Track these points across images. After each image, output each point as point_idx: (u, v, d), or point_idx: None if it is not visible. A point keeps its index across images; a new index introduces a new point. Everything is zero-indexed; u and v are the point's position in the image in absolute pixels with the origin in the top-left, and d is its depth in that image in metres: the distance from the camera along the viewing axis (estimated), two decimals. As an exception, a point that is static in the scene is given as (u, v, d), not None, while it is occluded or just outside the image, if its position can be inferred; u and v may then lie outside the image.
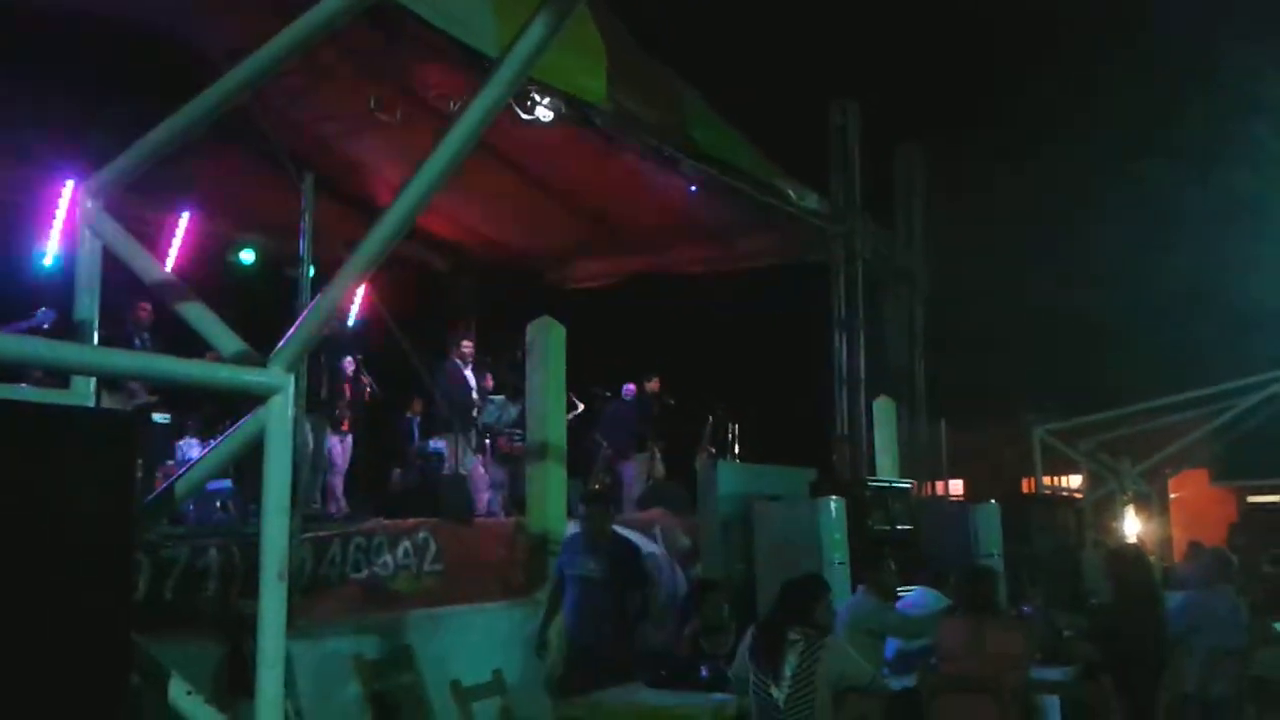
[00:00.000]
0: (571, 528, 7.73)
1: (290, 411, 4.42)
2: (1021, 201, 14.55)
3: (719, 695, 5.49)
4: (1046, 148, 14.31)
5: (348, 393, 9.95)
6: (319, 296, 4.58)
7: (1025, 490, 14.30)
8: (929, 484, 12.78)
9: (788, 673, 5.35)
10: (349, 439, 10.09)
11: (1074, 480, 15.24)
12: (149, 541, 6.21)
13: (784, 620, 5.52)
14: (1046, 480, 14.60)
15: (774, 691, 5.32)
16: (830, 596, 5.75)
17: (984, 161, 14.34)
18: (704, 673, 5.74)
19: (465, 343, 10.75)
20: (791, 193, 11.20)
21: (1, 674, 3.55)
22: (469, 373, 10.42)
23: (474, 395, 10.32)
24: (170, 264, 10.43)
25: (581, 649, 6.68)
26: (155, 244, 10.34)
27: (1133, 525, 13.73)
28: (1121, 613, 6.41)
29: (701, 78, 10.53)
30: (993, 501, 10.26)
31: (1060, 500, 14.10)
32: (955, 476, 14.22)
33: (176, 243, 10.62)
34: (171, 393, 8.67)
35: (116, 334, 7.73)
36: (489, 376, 10.75)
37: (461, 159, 4.33)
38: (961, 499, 12.85)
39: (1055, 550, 11.19)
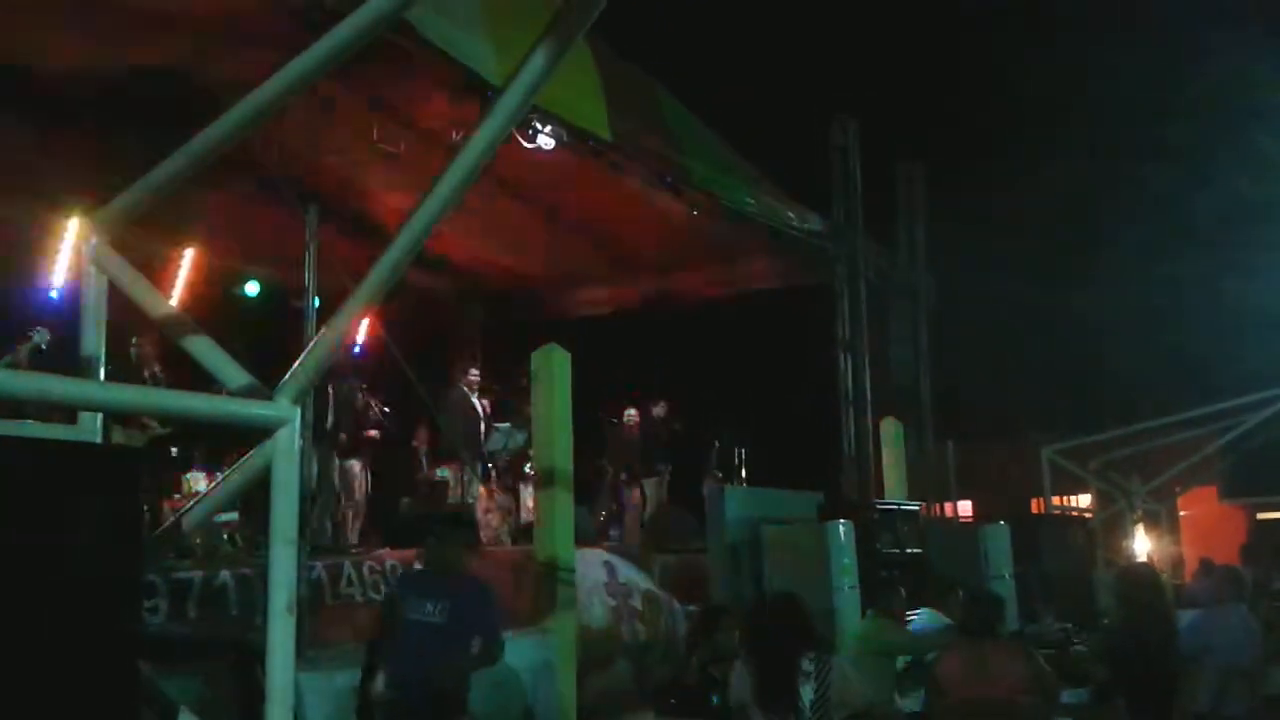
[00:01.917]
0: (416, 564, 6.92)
1: (297, 443, 4.44)
2: (1025, 217, 14.57)
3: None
4: (1049, 163, 14.35)
5: (358, 421, 9.96)
6: (325, 328, 4.59)
7: (1034, 510, 14.26)
8: (938, 505, 12.74)
9: (805, 704, 5.23)
10: (366, 468, 10.10)
11: (1083, 499, 15.19)
12: (159, 578, 6.23)
13: (791, 651, 5.37)
14: (1055, 499, 14.55)
15: None
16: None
17: (986, 178, 14.37)
18: (714, 700, 5.70)
19: (472, 370, 10.76)
20: (792, 215, 11.22)
21: (10, 710, 3.56)
22: (475, 400, 10.42)
23: (481, 423, 10.32)
24: (176, 297, 10.47)
25: (406, 710, 5.60)
26: (161, 277, 10.38)
27: (1143, 543, 13.67)
28: (1132, 633, 6.36)
29: (699, 97, 10.59)
30: (1002, 522, 10.23)
31: (1070, 520, 14.06)
32: (964, 497, 14.18)
33: (182, 276, 10.66)
34: (180, 425, 8.68)
35: (124, 369, 7.76)
36: (494, 404, 10.76)
37: (465, 189, 4.35)
38: (971, 519, 12.80)
39: (1066, 570, 11.16)
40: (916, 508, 10.52)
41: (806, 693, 5.19)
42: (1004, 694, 5.88)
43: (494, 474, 10.45)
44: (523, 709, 6.30)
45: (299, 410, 4.42)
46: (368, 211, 10.46)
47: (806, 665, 5.25)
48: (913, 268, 13.22)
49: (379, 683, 5.73)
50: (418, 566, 6.62)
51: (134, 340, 8.54)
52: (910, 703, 6.91)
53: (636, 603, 8.71)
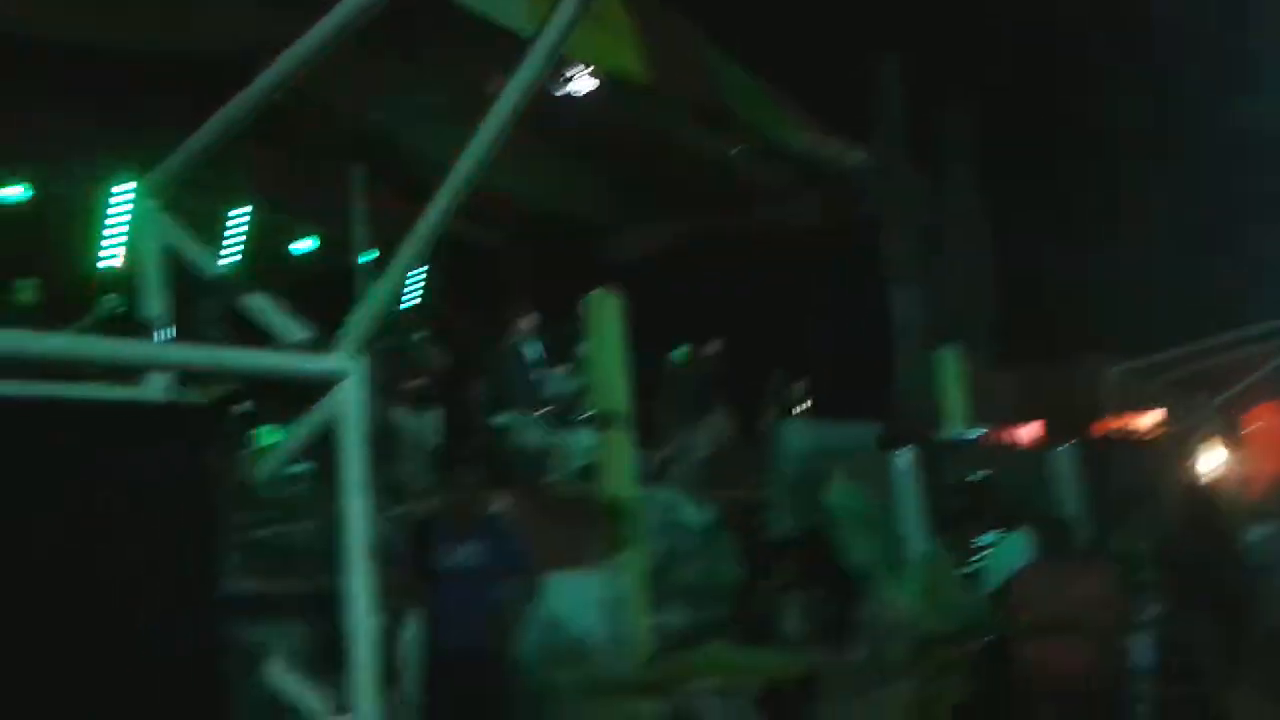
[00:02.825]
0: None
1: (361, 394, 4.50)
2: (1080, 131, 14.20)
3: (798, 650, 5.50)
4: (1104, 76, 13.93)
5: (414, 372, 10.06)
6: (379, 281, 4.65)
7: (1100, 432, 14.07)
8: (1001, 431, 12.62)
9: (865, 630, 5.33)
10: (429, 416, 10.22)
11: (1150, 419, 14.96)
12: (239, 531, 6.37)
13: (846, 582, 5.52)
14: (1121, 420, 14.35)
15: (855, 653, 5.28)
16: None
17: (1037, 98, 14.03)
18: (784, 628, 5.75)
19: (524, 318, 10.81)
20: (836, 149, 11.09)
21: (102, 672, 3.66)
22: (528, 347, 10.49)
23: (535, 370, 10.40)
24: (233, 257, 10.60)
25: (449, 664, 5.33)
26: (217, 238, 10.50)
27: (1211, 460, 13.46)
28: (1194, 550, 6.34)
29: (739, 34, 10.43)
30: (1068, 445, 10.13)
31: (1136, 439, 13.88)
32: (1028, 421, 14.02)
33: (238, 235, 10.78)
34: (250, 382, 8.81)
35: (190, 327, 7.87)
36: (548, 350, 10.81)
37: (504, 137, 4.36)
38: (1036, 444, 12.65)
39: (1135, 490, 11.03)
40: (979, 434, 10.44)
41: (864, 620, 5.31)
42: (1079, 611, 5.88)
43: (551, 419, 10.52)
44: (577, 648, 6.36)
45: (360, 361, 4.49)
46: (414, 164, 10.48)
47: (860, 594, 5.40)
48: (963, 194, 13.02)
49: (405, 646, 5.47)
50: (427, 518, 6.25)
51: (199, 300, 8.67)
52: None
53: (693, 543, 8.76)
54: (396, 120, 9.98)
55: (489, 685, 5.28)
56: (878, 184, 11.63)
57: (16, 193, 9.41)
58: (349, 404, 4.44)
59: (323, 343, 4.55)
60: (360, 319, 4.53)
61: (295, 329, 4.67)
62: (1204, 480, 11.40)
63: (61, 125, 9.12)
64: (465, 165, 4.42)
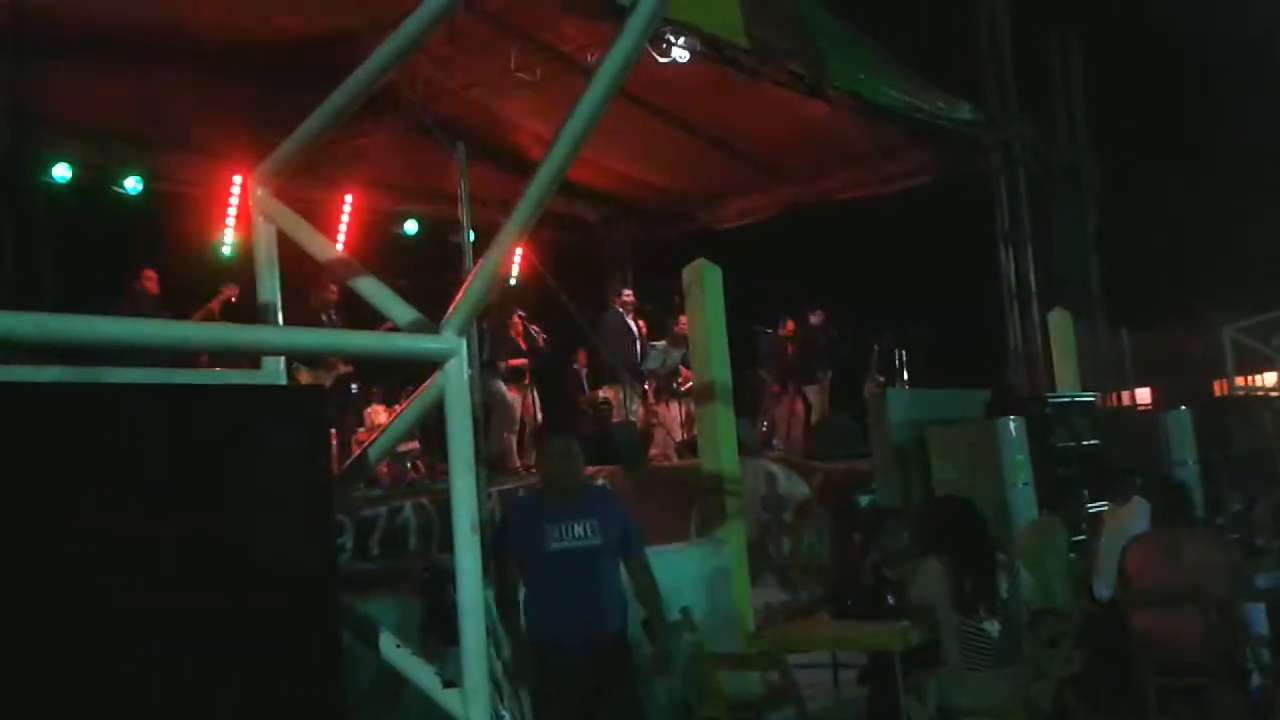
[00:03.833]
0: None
1: (465, 373, 4.61)
2: (1191, 86, 13.69)
3: (904, 623, 5.48)
4: (1211, 28, 13.38)
5: (515, 349, 10.23)
6: (481, 261, 4.73)
7: (1218, 393, 13.63)
8: (1114, 395, 12.32)
9: (1000, 601, 5.26)
10: (531, 394, 10.39)
11: (1269, 378, 14.43)
12: (353, 509, 6.60)
13: (987, 546, 5.43)
14: (1239, 380, 13.87)
15: (987, 625, 5.22)
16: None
17: (1146, 48, 13.55)
18: (889, 601, 5.74)
19: (625, 291, 10.89)
20: (941, 105, 10.86)
21: (223, 643, 3.85)
22: (630, 321, 10.56)
23: (636, 343, 10.47)
24: (340, 241, 10.89)
25: (572, 653, 4.77)
26: (325, 223, 10.80)
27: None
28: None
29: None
30: (1183, 408, 9.84)
31: (1256, 400, 13.40)
32: (1142, 384, 13.65)
33: (344, 220, 11.06)
34: (361, 363, 9.09)
35: (304, 313, 8.16)
36: (649, 323, 10.88)
37: (603, 110, 4.38)
38: (1150, 407, 12.33)
39: (1254, 452, 10.67)
40: (1091, 399, 10.18)
41: (1001, 590, 5.23)
42: (1194, 581, 5.76)
43: (653, 392, 10.60)
44: (682, 622, 6.25)
45: (464, 341, 4.59)
46: (514, 142, 10.61)
47: (1001, 559, 5.34)
48: (1073, 149, 12.64)
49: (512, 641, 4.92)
50: (522, 493, 6.12)
51: (311, 286, 8.96)
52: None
53: (789, 516, 8.75)
54: (497, 97, 10.11)
55: (610, 669, 4.80)
56: (987, 139, 11.35)
57: (134, 185, 9.78)
58: (455, 383, 4.54)
59: (428, 324, 4.67)
60: (464, 300, 4.63)
61: (402, 310, 4.79)
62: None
63: (175, 116, 9.46)
64: (565, 140, 4.44)
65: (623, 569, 4.98)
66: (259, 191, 5.10)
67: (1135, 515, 6.69)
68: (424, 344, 4.63)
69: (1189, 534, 6.01)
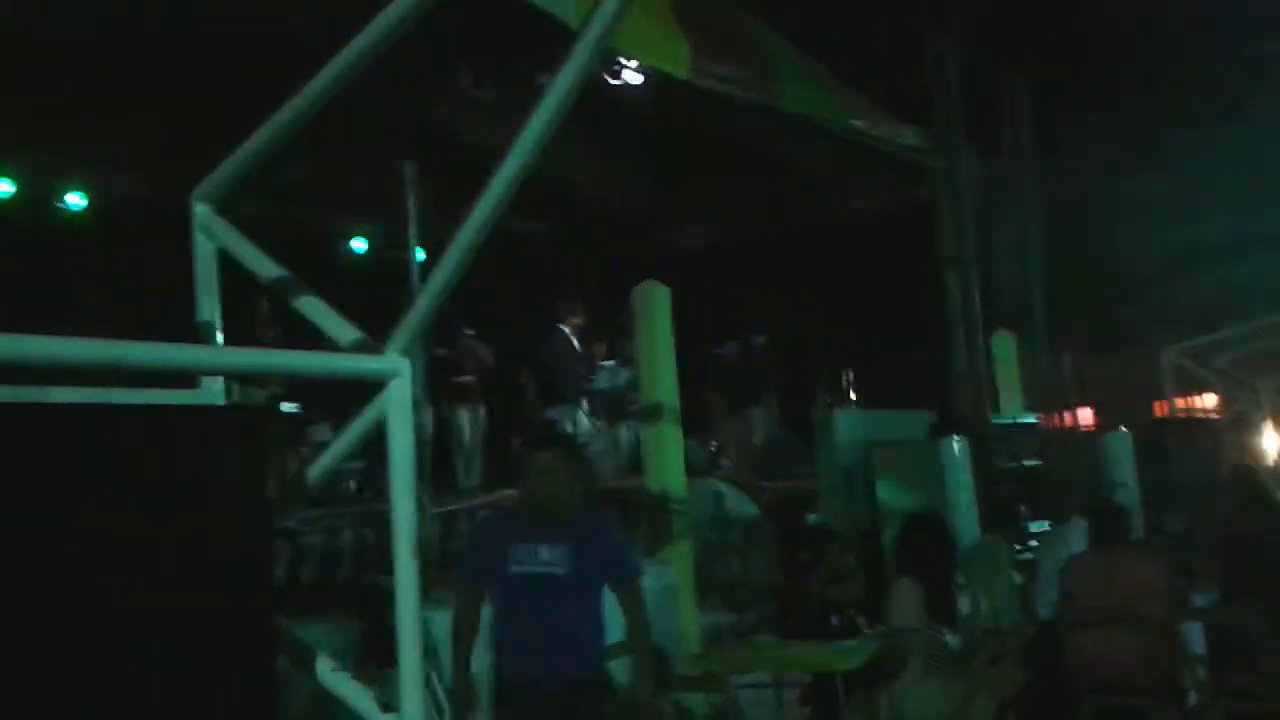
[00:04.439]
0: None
1: (409, 395, 4.58)
2: (1136, 112, 13.95)
3: (849, 642, 5.52)
4: (1155, 69, 13.68)
5: (463, 368, 10.20)
6: (428, 281, 4.72)
7: (1158, 414, 13.87)
8: (1057, 416, 12.49)
9: (960, 617, 5.41)
10: (479, 412, 10.35)
11: (1209, 400, 14.71)
12: (287, 529, 6.51)
13: (949, 566, 5.58)
14: (1180, 403, 14.13)
15: (950, 637, 5.36)
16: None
17: (1091, 78, 13.81)
18: (833, 621, 5.78)
19: (573, 311, 10.89)
20: (890, 130, 10.99)
21: (153, 669, 3.78)
22: (577, 342, 10.56)
23: (582, 363, 10.48)
24: (286, 259, 10.78)
25: (531, 693, 4.31)
26: (272, 239, 10.68)
27: (1273, 442, 13.21)
28: (1245, 533, 6.27)
29: (788, 11, 10.34)
30: (1123, 429, 10.02)
31: (1195, 422, 13.66)
32: (1084, 405, 13.85)
33: (292, 237, 10.95)
34: (300, 383, 9.00)
35: (245, 332, 8.06)
36: (598, 343, 10.88)
37: (551, 131, 4.40)
38: (1092, 428, 12.52)
39: (1193, 474, 10.88)
40: (1034, 420, 10.35)
41: (961, 606, 5.38)
42: (1132, 601, 5.85)
43: (602, 412, 10.61)
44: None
45: (409, 362, 4.56)
46: (467, 161, 10.56)
47: (960, 580, 5.46)
48: (1018, 176, 12.86)
49: (475, 670, 4.47)
50: (493, 513, 5.53)
51: (254, 305, 8.86)
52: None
53: (736, 536, 8.78)
54: (451, 116, 10.10)
55: (571, 712, 4.24)
56: (934, 165, 11.50)
57: (76, 202, 9.64)
58: (398, 404, 4.51)
59: (371, 344, 4.64)
60: (410, 319, 4.61)
61: (345, 330, 4.76)
62: (1261, 463, 11.23)
63: (116, 133, 9.34)
64: (514, 160, 4.46)
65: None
66: (199, 209, 5.06)
67: (1073, 536, 6.79)
68: (366, 364, 4.59)
69: (1127, 554, 6.12)
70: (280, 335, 8.47)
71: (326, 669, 4.58)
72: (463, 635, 4.44)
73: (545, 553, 4.35)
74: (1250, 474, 7.17)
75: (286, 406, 9.09)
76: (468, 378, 10.24)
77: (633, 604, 4.45)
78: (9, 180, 9.18)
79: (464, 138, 10.28)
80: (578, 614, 4.32)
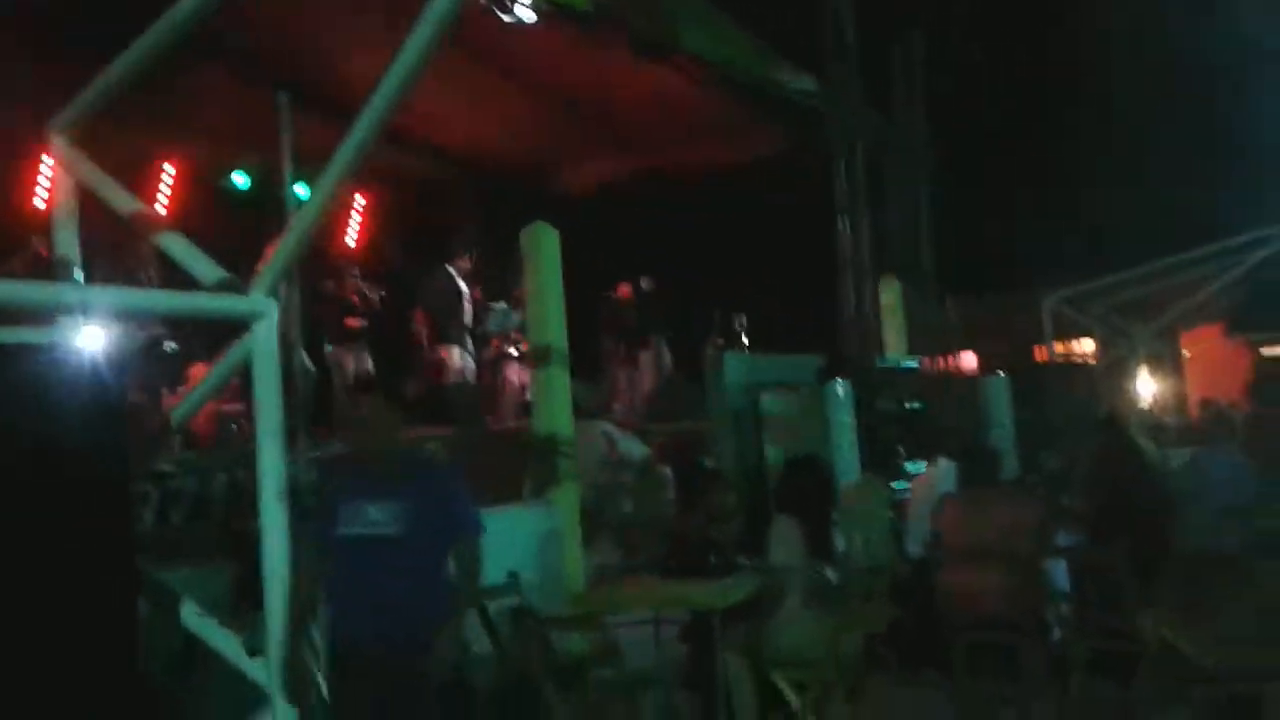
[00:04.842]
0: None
1: (274, 336, 4.48)
2: (1022, 59, 14.19)
3: (727, 580, 5.62)
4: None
5: (348, 310, 10.05)
6: (294, 218, 4.60)
7: (1036, 360, 14.30)
8: (940, 360, 12.79)
9: (839, 552, 5.57)
10: (364, 355, 10.22)
11: (1086, 345, 15.22)
12: (159, 473, 6.36)
13: (828, 505, 5.72)
14: (1059, 348, 14.58)
15: (830, 573, 5.51)
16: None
17: (984, 26, 13.99)
18: (712, 560, 5.86)
19: (460, 252, 10.78)
20: (786, 78, 11.01)
21: (10, 612, 3.68)
22: (462, 282, 10.47)
23: (467, 304, 10.41)
24: (164, 194, 10.42)
25: (367, 658, 3.93)
26: (149, 174, 10.31)
27: (1146, 386, 13.75)
28: (1109, 477, 6.51)
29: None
30: (1000, 373, 10.30)
31: (1072, 366, 14.13)
32: (970, 350, 14.20)
33: (170, 171, 10.59)
34: (177, 322, 8.74)
35: (117, 270, 7.79)
36: (489, 284, 10.80)
37: (427, 58, 4.31)
38: (973, 374, 12.85)
39: (1069, 417, 11.25)
40: (916, 364, 10.57)
41: (840, 542, 5.52)
42: (1001, 539, 6.03)
43: (492, 353, 10.55)
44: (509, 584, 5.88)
45: (275, 303, 4.46)
46: (349, 95, 10.28)
47: (835, 517, 5.59)
48: (908, 124, 13.01)
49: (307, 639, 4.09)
50: (326, 457, 4.94)
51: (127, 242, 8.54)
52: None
53: (629, 476, 8.84)
54: (330, 47, 9.78)
55: (406, 687, 3.84)
56: (828, 113, 11.56)
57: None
58: (263, 345, 4.41)
59: (236, 283, 4.52)
60: (274, 259, 4.50)
61: (210, 269, 4.62)
62: (1129, 405, 11.68)
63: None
64: (386, 89, 4.37)
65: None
66: (57, 141, 4.85)
67: (941, 476, 6.97)
68: (231, 304, 4.48)
69: (997, 494, 6.30)
70: (158, 274, 8.19)
71: (192, 613, 4.52)
72: (297, 601, 4.02)
73: (374, 512, 3.97)
74: (1117, 419, 7.43)
75: (168, 345, 8.83)
76: (354, 319, 10.08)
77: (462, 559, 4.06)
78: None
79: (344, 71, 10.00)
80: (411, 579, 3.92)
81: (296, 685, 3.94)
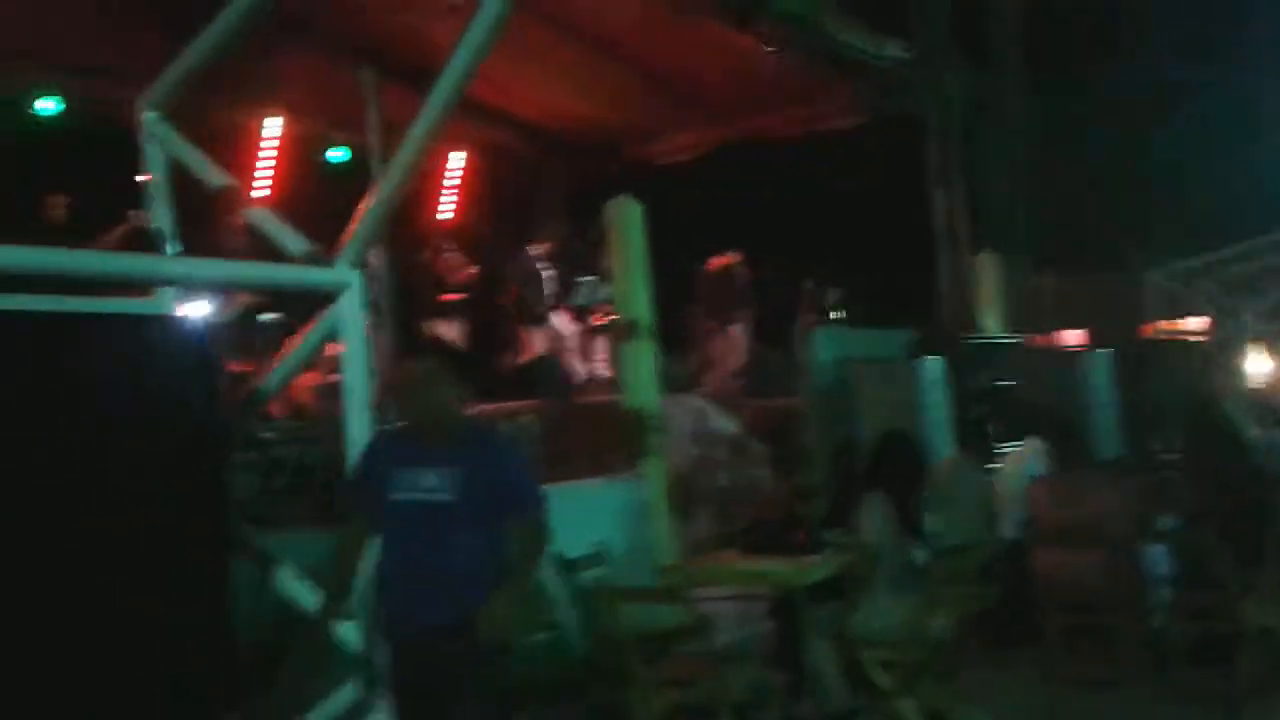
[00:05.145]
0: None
1: (360, 307, 4.53)
2: (1131, 27, 13.68)
3: (813, 557, 5.55)
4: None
5: (442, 284, 10.17)
6: (374, 190, 4.64)
7: (1140, 338, 13.83)
8: (1041, 336, 12.45)
9: (928, 532, 5.45)
10: (459, 329, 10.33)
11: (1193, 323, 14.67)
12: (262, 440, 6.51)
13: (919, 484, 5.61)
14: (1164, 325, 14.09)
15: (917, 553, 5.41)
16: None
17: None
18: (798, 536, 5.79)
19: (541, 231, 10.85)
20: (875, 43, 10.79)
21: (115, 567, 3.80)
22: (543, 261, 10.53)
23: (548, 278, 10.46)
24: (266, 169, 10.61)
25: (408, 635, 3.82)
26: (248, 149, 10.50)
27: (1257, 365, 13.19)
28: (1206, 458, 6.27)
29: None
30: (1102, 349, 9.99)
31: (1180, 344, 13.63)
32: (1071, 327, 13.80)
33: (270, 146, 10.76)
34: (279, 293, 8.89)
35: (210, 240, 7.94)
36: (578, 258, 10.82)
37: (500, 28, 4.28)
38: (1073, 351, 12.49)
39: (1175, 395, 10.87)
40: (1014, 340, 10.32)
41: (929, 522, 5.42)
42: (1095, 520, 5.87)
43: (580, 327, 10.59)
44: (595, 556, 5.78)
45: (359, 274, 4.51)
46: (432, 68, 10.36)
47: (926, 495, 5.49)
48: (1006, 90, 12.64)
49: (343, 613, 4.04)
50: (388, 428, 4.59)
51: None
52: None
53: (722, 451, 8.79)
54: (423, 22, 9.85)
55: (455, 659, 3.67)
56: (920, 79, 11.31)
57: (48, 107, 9.43)
58: (349, 317, 4.47)
59: (322, 256, 4.58)
60: (358, 231, 4.54)
61: (296, 241, 4.69)
62: (1235, 385, 11.23)
63: (88, 36, 9.11)
64: (460, 59, 4.37)
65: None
66: (148, 116, 4.96)
67: (1031, 456, 6.80)
68: (317, 276, 4.55)
69: (1092, 475, 6.13)
70: (247, 244, 8.33)
71: (288, 576, 4.61)
72: (340, 568, 3.93)
73: (430, 478, 3.79)
74: (1217, 399, 7.15)
75: (267, 316, 8.97)
76: (448, 292, 10.19)
77: (522, 537, 3.83)
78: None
79: (431, 45, 10.07)
80: (464, 548, 3.74)
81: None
